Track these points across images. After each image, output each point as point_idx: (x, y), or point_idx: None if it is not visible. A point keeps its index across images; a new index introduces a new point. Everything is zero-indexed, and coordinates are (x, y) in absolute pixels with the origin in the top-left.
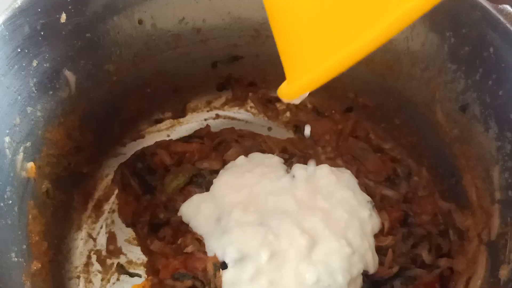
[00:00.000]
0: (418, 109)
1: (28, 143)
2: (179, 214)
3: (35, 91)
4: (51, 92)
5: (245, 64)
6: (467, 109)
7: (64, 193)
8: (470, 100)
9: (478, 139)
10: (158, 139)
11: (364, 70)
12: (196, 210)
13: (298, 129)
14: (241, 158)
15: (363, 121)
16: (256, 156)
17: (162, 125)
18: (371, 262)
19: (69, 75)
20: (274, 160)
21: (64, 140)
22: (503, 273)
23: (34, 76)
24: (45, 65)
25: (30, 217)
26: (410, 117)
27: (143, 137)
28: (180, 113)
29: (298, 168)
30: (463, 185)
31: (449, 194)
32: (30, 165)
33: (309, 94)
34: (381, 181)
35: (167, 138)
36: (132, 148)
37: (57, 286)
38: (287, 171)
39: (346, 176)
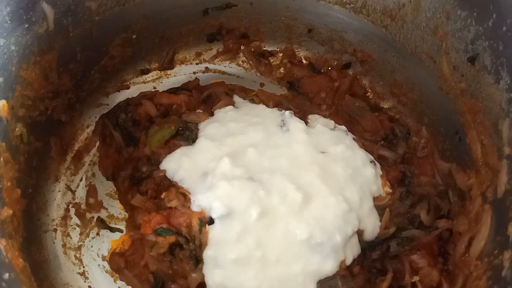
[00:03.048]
0: (421, 63)
1: (0, 78)
2: (161, 167)
3: (9, 21)
4: (26, 25)
5: (238, 13)
6: (476, 59)
7: (40, 140)
8: (481, 50)
9: (487, 91)
10: (144, 91)
11: (364, 22)
12: (179, 164)
13: (292, 85)
14: (229, 107)
15: (361, 78)
16: (245, 105)
17: (148, 77)
18: (370, 227)
19: (46, 8)
20: (265, 111)
21: (40, 81)
22: None
23: (8, 5)
24: None
25: (1, 160)
26: (412, 72)
27: (127, 87)
28: (167, 64)
29: (294, 121)
30: (467, 142)
31: (450, 154)
32: (2, 103)
33: (305, 49)
34: (378, 141)
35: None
36: (116, 99)
37: (30, 237)
38: (281, 125)
39: (344, 133)
